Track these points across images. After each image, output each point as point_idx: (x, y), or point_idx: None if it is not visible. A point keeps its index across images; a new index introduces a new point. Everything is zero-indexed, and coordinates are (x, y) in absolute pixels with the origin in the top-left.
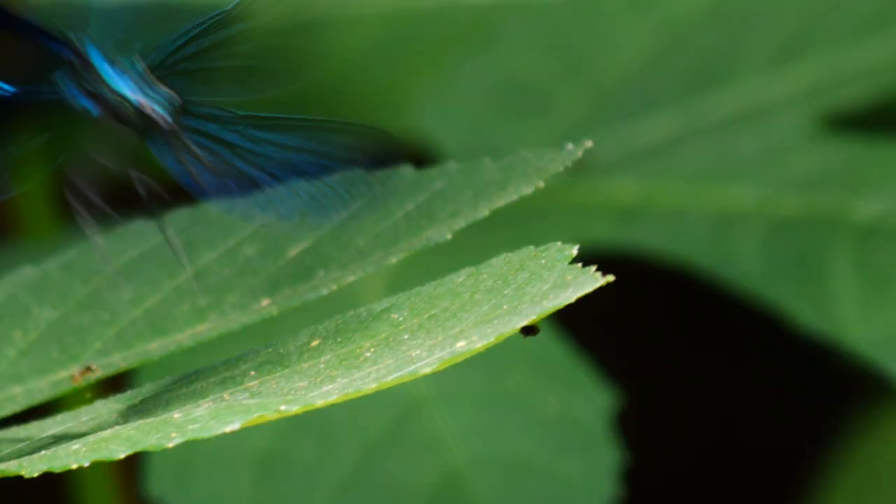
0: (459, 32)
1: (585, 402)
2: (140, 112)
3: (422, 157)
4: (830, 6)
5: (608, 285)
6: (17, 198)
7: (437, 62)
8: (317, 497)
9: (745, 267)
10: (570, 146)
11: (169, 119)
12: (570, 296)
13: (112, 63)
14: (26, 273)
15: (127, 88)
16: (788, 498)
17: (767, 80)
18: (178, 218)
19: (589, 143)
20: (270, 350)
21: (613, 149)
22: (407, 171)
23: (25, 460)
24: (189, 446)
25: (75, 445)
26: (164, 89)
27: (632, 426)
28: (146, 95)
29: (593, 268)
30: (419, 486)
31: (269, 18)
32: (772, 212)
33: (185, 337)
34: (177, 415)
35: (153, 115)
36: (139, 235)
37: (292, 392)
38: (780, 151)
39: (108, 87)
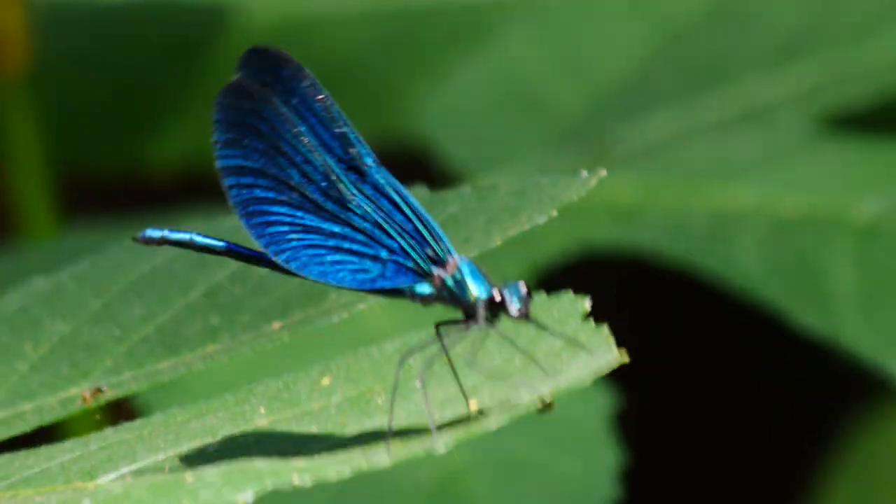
0: (459, 32)
1: (585, 402)
2: (493, 304)
3: (422, 157)
4: (830, 6)
5: (608, 285)
6: (18, 198)
7: (437, 62)
8: (317, 496)
9: (745, 267)
10: (584, 173)
11: (521, 308)
12: (586, 378)
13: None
14: (38, 284)
15: (485, 290)
16: (788, 498)
17: (767, 80)
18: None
19: (603, 172)
20: (280, 384)
21: (613, 149)
22: (421, 191)
23: None
24: None
25: (86, 501)
26: (511, 283)
27: (632, 426)
28: (500, 292)
29: (605, 328)
30: (419, 485)
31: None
32: (772, 212)
33: (195, 357)
34: (189, 478)
35: (510, 309)
36: (151, 250)
37: (304, 446)
38: (780, 151)
39: (475, 295)
